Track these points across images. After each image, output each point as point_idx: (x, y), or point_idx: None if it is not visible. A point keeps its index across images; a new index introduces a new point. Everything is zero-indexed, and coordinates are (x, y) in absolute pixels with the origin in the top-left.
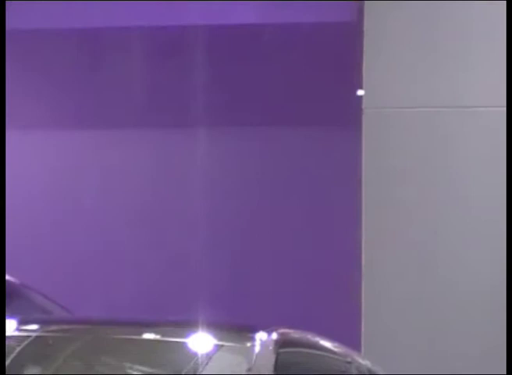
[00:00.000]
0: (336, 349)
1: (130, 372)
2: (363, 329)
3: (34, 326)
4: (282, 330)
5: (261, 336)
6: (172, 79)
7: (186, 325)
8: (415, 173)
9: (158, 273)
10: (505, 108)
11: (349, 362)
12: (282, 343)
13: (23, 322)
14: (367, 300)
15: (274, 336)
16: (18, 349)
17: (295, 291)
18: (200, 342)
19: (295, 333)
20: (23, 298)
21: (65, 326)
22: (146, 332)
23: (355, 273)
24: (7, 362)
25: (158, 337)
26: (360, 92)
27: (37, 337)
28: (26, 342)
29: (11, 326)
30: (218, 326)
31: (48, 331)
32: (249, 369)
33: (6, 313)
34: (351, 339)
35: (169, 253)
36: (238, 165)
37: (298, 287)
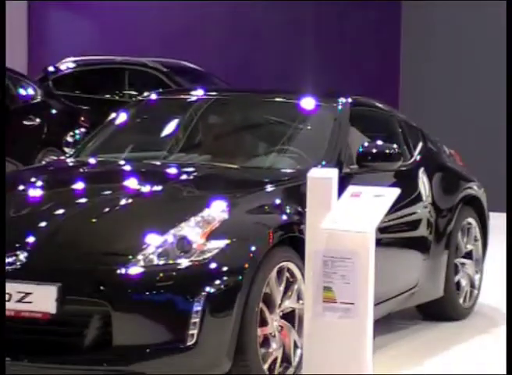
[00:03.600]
0: (386, 107)
1: (264, 121)
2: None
3: None
4: (355, 96)
5: (342, 99)
6: None
7: (297, 92)
8: None
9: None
10: None
11: (392, 116)
12: (354, 103)
13: None
14: None
15: (349, 99)
16: None
17: None
18: (306, 102)
19: (363, 99)
20: None
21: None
22: (270, 96)
23: None
24: None
25: (279, 99)
26: None
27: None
28: None
29: None
30: (316, 94)
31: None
32: (335, 119)
33: None
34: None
35: None
36: None
37: None
